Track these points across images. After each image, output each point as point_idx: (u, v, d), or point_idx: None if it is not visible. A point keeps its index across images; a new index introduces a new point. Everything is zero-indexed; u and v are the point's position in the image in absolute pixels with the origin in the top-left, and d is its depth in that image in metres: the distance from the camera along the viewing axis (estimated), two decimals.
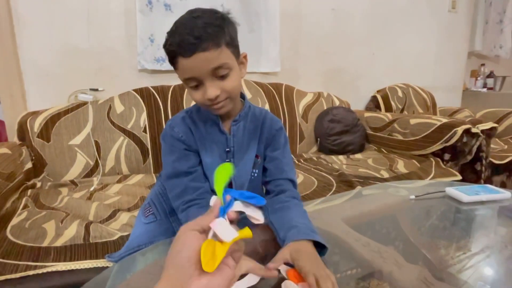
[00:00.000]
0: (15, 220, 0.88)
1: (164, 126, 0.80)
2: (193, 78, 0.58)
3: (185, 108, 1.48)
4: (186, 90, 1.49)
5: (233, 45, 0.61)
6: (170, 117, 1.43)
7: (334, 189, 1.15)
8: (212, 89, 0.58)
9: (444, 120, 1.51)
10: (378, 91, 2.35)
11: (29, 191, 1.11)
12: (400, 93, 2.33)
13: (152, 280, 0.48)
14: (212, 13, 0.59)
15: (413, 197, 0.83)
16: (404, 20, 2.37)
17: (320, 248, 0.53)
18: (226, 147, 0.70)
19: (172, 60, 0.59)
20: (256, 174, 0.74)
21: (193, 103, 0.71)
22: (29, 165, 1.20)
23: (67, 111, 1.31)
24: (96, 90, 1.43)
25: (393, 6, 2.28)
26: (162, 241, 0.65)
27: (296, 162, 1.61)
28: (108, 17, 1.42)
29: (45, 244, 0.77)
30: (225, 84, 0.59)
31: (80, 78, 1.41)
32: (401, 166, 1.49)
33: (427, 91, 2.50)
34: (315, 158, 1.66)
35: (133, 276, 0.53)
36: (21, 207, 0.97)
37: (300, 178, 1.30)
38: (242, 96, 0.72)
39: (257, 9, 1.73)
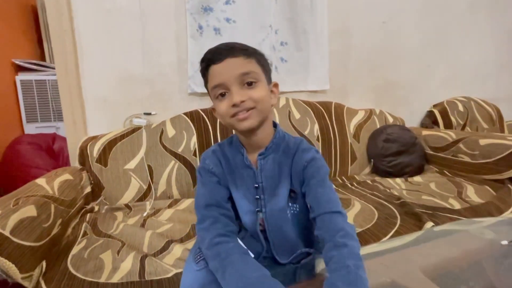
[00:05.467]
0: (75, 249, 0.90)
1: None
2: (221, 84, 0.60)
3: (233, 131, 1.47)
4: None
5: (264, 68, 0.64)
6: (219, 139, 1.43)
7: (398, 222, 1.04)
8: (238, 95, 0.59)
9: None
10: (434, 106, 2.17)
11: (88, 216, 1.14)
12: (460, 107, 2.13)
13: None
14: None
15: (505, 242, 0.70)
16: (461, 28, 2.18)
17: None
18: (255, 182, 0.66)
19: (205, 72, 0.63)
20: (297, 209, 0.68)
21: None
22: (88, 189, 1.25)
23: (122, 136, 1.35)
24: (150, 114, 1.47)
25: (449, 13, 2.11)
26: None
27: (349, 185, 1.51)
28: (161, 44, 1.47)
29: (102, 279, 0.77)
30: (252, 93, 0.60)
31: (134, 103, 1.47)
32: (471, 193, 1.32)
33: (491, 104, 2.26)
34: (369, 182, 1.55)
35: None
36: (81, 234, 0.99)
37: (356, 207, 1.20)
38: (274, 125, 0.69)
39: (305, 27, 1.69)
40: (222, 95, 0.61)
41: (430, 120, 2.14)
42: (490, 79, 2.39)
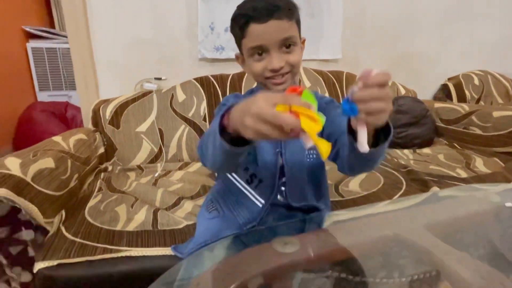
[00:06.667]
0: (91, 202, 0.95)
1: None
2: (261, 46, 0.59)
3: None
4: (244, 78, 1.48)
5: (299, 26, 0.64)
6: None
7: (404, 187, 1.05)
8: (278, 60, 0.59)
9: None
10: (449, 79, 2.11)
11: (102, 174, 1.19)
12: (476, 81, 2.06)
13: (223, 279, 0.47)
14: None
15: (510, 204, 0.71)
16: None
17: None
18: None
19: (243, 27, 0.59)
20: (314, 156, 0.69)
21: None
22: (101, 149, 1.29)
23: (134, 100, 1.37)
24: (160, 79, 1.48)
25: None
26: (228, 236, 0.64)
27: None
28: (171, 8, 1.44)
29: (118, 227, 0.81)
30: (290, 58, 0.60)
31: (145, 67, 1.47)
32: (480, 164, 1.32)
33: (508, 78, 2.18)
34: None
35: (203, 275, 0.52)
36: (96, 189, 1.04)
37: (362, 174, 1.22)
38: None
39: None
40: (259, 54, 0.61)
41: (443, 94, 2.09)
42: (510, 53, 2.30)
